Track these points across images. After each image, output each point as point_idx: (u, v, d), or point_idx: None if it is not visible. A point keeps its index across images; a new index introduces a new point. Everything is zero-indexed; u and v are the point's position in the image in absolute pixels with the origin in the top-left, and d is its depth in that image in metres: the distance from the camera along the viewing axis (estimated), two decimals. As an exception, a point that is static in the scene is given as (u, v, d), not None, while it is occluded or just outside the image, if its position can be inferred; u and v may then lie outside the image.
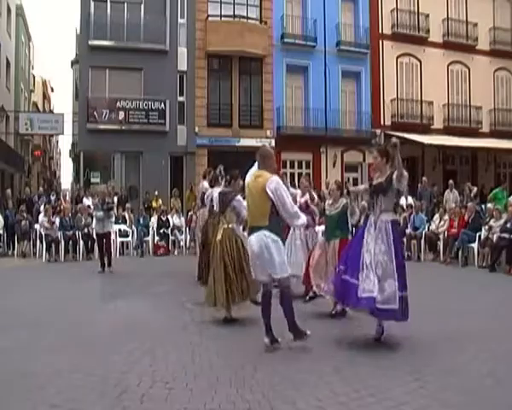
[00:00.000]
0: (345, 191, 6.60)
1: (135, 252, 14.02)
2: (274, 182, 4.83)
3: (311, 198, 7.62)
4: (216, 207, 6.70)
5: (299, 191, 8.16)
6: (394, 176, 5.07)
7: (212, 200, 7.09)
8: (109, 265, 10.59)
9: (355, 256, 5.20)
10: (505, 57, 23.92)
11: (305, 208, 7.40)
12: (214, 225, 7.03)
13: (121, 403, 3.75)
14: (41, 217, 13.11)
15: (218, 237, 6.19)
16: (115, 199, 15.78)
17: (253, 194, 5.01)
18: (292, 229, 7.84)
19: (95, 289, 8.68)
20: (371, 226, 5.25)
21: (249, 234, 5.06)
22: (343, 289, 5.24)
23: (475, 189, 15.81)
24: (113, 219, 14.13)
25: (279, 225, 5.06)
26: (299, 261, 7.46)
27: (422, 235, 12.68)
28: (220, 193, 6.52)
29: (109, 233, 11.17)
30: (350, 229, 6.86)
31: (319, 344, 5.17)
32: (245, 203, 5.88)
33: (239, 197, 6.22)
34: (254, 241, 4.91)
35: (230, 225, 6.17)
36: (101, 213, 10.74)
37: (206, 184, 8.38)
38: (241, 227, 6.49)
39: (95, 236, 11.67)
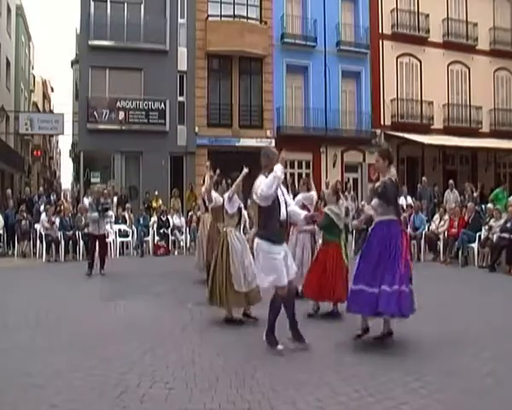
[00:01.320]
0: (348, 195, 6.67)
1: (135, 252, 14.01)
2: (256, 188, 4.83)
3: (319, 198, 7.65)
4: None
5: (299, 196, 8.08)
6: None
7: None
8: (102, 267, 10.19)
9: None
10: (505, 57, 23.91)
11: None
12: (213, 228, 7.13)
13: (121, 403, 3.75)
14: (43, 216, 13.08)
15: (220, 239, 6.30)
16: (115, 199, 15.81)
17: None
18: (291, 233, 7.83)
19: (95, 289, 8.67)
20: None
21: None
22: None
23: (476, 193, 15.81)
24: (113, 219, 14.15)
25: (273, 227, 4.88)
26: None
27: (422, 235, 12.68)
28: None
29: (104, 235, 10.70)
30: (339, 233, 6.80)
31: (319, 344, 5.18)
32: (226, 196, 6.20)
33: (226, 194, 6.27)
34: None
35: (225, 228, 6.24)
36: (95, 215, 10.22)
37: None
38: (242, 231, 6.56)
39: (88, 237, 11.03)
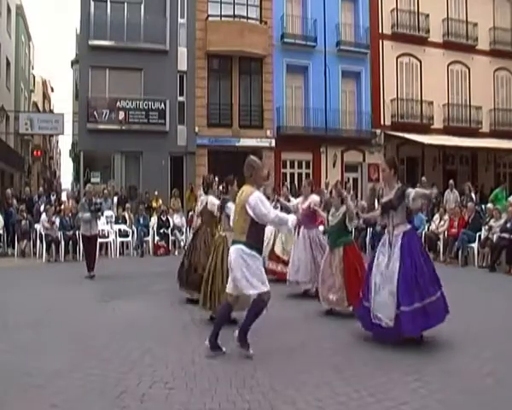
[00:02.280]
0: (348, 195, 6.69)
1: (135, 252, 14.01)
2: (253, 199, 4.77)
3: (321, 201, 7.56)
4: (216, 214, 6.71)
5: (299, 199, 8.13)
6: (407, 193, 5.16)
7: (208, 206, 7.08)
8: (92, 269, 9.96)
9: (369, 278, 5.35)
10: (505, 57, 23.90)
11: (309, 213, 7.34)
12: (205, 232, 7.09)
13: (121, 403, 3.75)
14: (43, 216, 13.05)
15: (216, 243, 6.26)
16: (115, 199, 15.81)
17: (237, 209, 5.05)
18: (296, 233, 7.80)
19: (94, 289, 8.67)
20: (384, 245, 5.32)
21: (231, 245, 5.02)
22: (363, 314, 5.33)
23: (473, 193, 15.81)
24: (113, 219, 14.16)
25: (259, 239, 4.95)
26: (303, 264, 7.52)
27: (422, 235, 12.65)
28: (221, 200, 6.57)
29: (96, 236, 10.58)
30: (351, 233, 6.88)
31: (319, 344, 5.18)
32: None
33: (229, 204, 6.13)
34: (231, 254, 4.91)
35: (223, 233, 6.20)
36: (88, 215, 10.04)
37: (201, 191, 8.36)
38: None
39: (81, 238, 10.86)
